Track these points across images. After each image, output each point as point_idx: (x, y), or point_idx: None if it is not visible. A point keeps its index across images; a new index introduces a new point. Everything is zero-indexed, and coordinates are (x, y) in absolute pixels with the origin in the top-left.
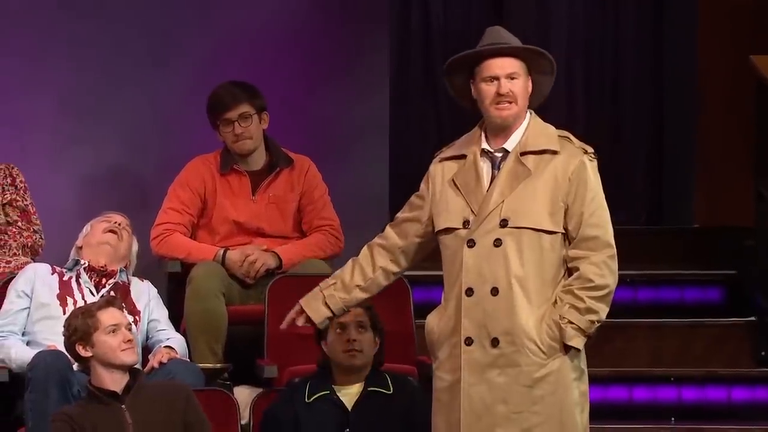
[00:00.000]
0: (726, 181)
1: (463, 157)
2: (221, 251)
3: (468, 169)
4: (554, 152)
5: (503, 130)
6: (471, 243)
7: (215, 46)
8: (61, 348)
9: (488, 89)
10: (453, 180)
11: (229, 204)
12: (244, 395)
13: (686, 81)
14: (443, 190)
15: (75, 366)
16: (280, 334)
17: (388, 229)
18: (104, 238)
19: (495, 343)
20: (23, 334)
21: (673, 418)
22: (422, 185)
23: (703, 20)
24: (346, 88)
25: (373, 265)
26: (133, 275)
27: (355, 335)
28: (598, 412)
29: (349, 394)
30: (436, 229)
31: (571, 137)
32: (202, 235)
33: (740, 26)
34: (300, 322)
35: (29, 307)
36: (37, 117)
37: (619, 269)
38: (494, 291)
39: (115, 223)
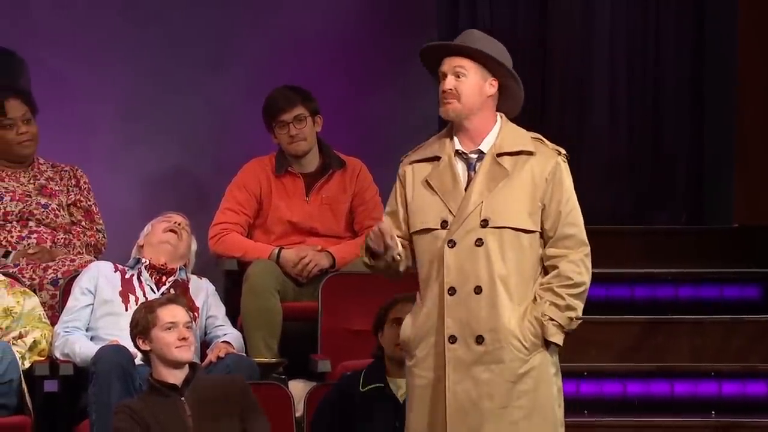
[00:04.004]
0: (765, 181)
1: (435, 159)
2: (276, 250)
3: (443, 171)
4: (530, 153)
5: (475, 132)
6: (451, 243)
7: (270, 51)
8: (124, 343)
9: (439, 87)
10: (427, 181)
11: (283, 205)
12: (298, 389)
13: (726, 81)
14: (415, 191)
15: (137, 359)
16: (333, 330)
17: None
18: (164, 237)
19: (480, 340)
20: (87, 330)
21: (713, 412)
22: (396, 187)
23: (744, 21)
24: (396, 90)
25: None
26: (192, 273)
27: None
28: (640, 406)
29: (401, 387)
30: (411, 230)
31: (544, 139)
32: (257, 234)
33: None
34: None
35: (93, 304)
36: (99, 120)
37: (660, 267)
38: (477, 290)
39: (175, 222)
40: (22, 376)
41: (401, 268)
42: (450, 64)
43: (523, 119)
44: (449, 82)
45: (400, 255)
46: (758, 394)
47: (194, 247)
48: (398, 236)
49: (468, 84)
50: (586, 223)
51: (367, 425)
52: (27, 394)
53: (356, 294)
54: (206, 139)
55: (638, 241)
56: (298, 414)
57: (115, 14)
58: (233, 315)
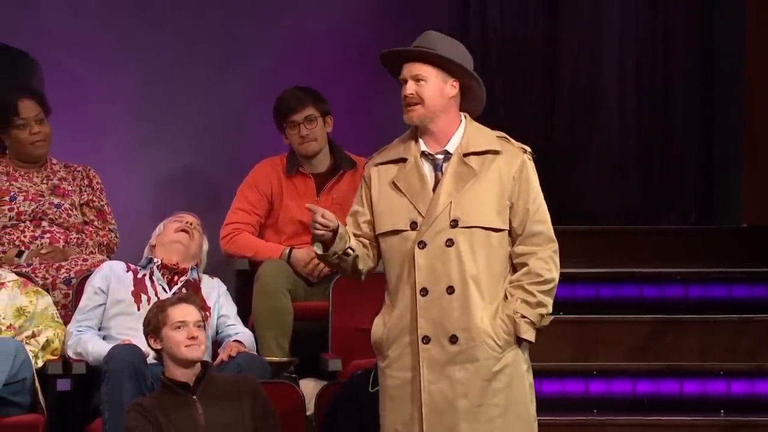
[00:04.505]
0: None
1: (401, 160)
2: (287, 250)
3: (410, 172)
4: (496, 152)
5: (440, 133)
6: (422, 244)
7: (281, 52)
8: (136, 342)
9: (401, 92)
10: (394, 183)
11: (294, 205)
12: (309, 388)
13: (735, 82)
14: (381, 193)
15: (150, 358)
16: (344, 329)
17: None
18: (176, 237)
19: (453, 340)
20: (99, 329)
21: (722, 411)
22: (362, 189)
23: (752, 21)
24: None
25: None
26: (204, 273)
27: None
28: (649, 405)
29: None
30: (378, 231)
31: (509, 137)
32: (269, 234)
33: None
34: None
35: (105, 303)
36: (112, 121)
37: (669, 267)
38: (450, 290)
39: (187, 222)
40: (35, 374)
41: (360, 266)
42: (409, 70)
43: (532, 119)
44: (410, 88)
45: (353, 249)
46: (767, 393)
47: (206, 246)
48: (358, 236)
49: (428, 88)
50: (595, 223)
51: (376, 424)
52: (40, 393)
53: (367, 293)
54: (218, 140)
55: (647, 241)
56: (309, 412)
57: (128, 15)
58: (244, 314)
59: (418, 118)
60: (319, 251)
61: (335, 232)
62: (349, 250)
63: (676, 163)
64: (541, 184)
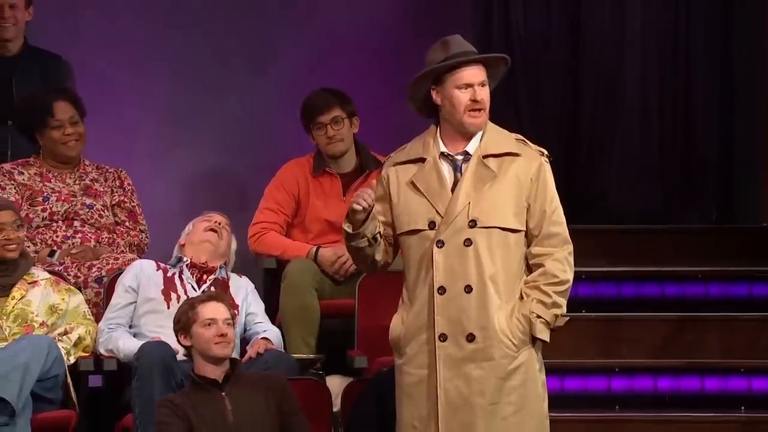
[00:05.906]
0: None
1: (419, 160)
2: (314, 249)
3: (429, 172)
4: (515, 155)
5: (462, 134)
6: (440, 243)
7: (308, 55)
8: (165, 339)
9: (462, 96)
10: (412, 183)
11: (321, 204)
12: (335, 384)
13: (756, 81)
14: (401, 192)
15: (179, 355)
16: (369, 326)
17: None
18: (205, 236)
19: (470, 338)
20: (130, 327)
21: (743, 407)
22: (378, 188)
23: None
24: None
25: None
26: (232, 271)
27: None
28: (671, 402)
29: None
30: (398, 231)
31: (527, 140)
32: (296, 233)
33: None
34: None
35: (135, 302)
36: (142, 124)
37: (690, 266)
38: (468, 288)
39: (216, 222)
40: (67, 371)
41: (378, 258)
42: (477, 75)
43: (555, 120)
44: (480, 93)
45: (381, 234)
46: None
47: (234, 245)
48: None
49: (488, 93)
50: (617, 222)
51: None
52: (72, 389)
53: (392, 292)
54: (246, 141)
55: (669, 240)
56: (335, 409)
57: (159, 20)
58: (272, 312)
59: (484, 124)
60: (349, 230)
61: (369, 214)
62: (378, 236)
63: (698, 163)
64: (563, 184)
